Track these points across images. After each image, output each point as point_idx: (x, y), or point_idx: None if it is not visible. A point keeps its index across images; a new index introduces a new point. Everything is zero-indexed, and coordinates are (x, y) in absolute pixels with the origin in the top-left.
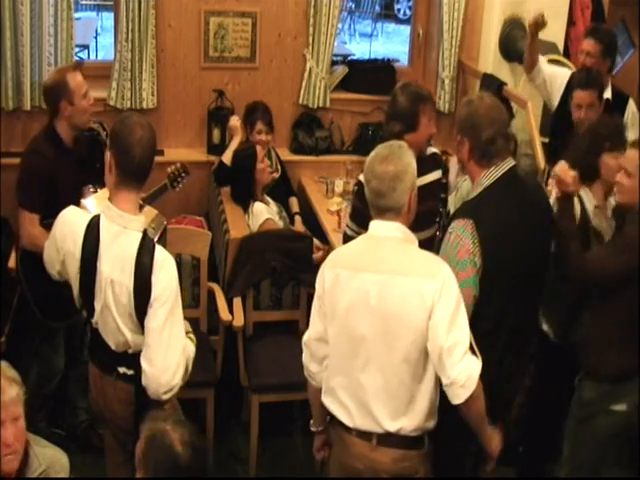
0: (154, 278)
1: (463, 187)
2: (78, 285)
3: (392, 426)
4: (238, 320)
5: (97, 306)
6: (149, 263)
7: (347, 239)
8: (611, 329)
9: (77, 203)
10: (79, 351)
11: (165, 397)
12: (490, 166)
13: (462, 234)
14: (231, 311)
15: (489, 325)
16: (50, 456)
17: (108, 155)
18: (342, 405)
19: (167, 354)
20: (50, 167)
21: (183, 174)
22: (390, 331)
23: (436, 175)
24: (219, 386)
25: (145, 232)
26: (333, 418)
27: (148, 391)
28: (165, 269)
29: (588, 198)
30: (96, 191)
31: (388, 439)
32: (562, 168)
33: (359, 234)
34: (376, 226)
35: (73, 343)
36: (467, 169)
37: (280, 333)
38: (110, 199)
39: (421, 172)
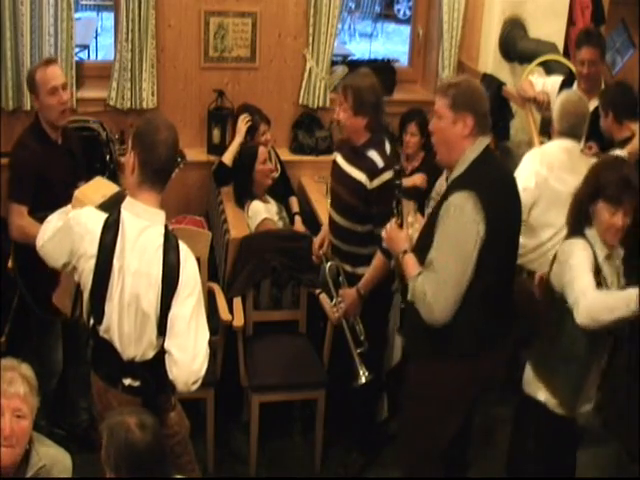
0: (181, 266)
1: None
2: (90, 286)
3: None
4: (238, 320)
5: (109, 308)
6: (176, 252)
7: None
8: None
9: (70, 198)
10: (79, 350)
11: (194, 387)
12: (477, 140)
13: (465, 205)
14: (231, 311)
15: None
16: (52, 455)
17: (131, 155)
18: None
19: (196, 342)
20: (37, 160)
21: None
22: None
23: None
24: (219, 386)
25: (166, 226)
26: None
27: (177, 383)
28: (190, 259)
29: (599, 246)
30: None
31: None
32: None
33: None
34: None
35: (73, 342)
36: (458, 145)
37: (280, 333)
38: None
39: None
